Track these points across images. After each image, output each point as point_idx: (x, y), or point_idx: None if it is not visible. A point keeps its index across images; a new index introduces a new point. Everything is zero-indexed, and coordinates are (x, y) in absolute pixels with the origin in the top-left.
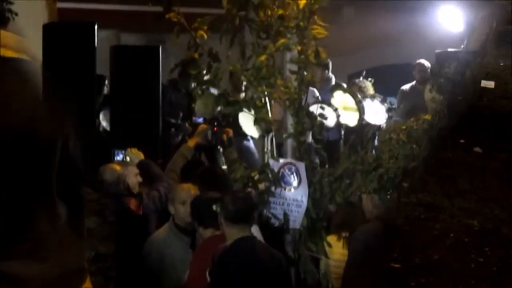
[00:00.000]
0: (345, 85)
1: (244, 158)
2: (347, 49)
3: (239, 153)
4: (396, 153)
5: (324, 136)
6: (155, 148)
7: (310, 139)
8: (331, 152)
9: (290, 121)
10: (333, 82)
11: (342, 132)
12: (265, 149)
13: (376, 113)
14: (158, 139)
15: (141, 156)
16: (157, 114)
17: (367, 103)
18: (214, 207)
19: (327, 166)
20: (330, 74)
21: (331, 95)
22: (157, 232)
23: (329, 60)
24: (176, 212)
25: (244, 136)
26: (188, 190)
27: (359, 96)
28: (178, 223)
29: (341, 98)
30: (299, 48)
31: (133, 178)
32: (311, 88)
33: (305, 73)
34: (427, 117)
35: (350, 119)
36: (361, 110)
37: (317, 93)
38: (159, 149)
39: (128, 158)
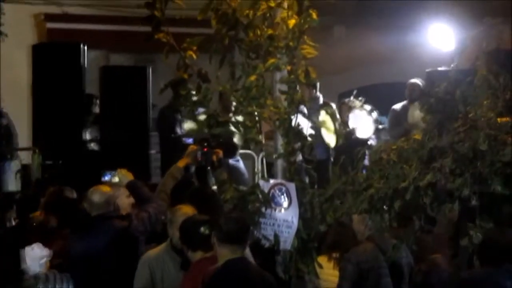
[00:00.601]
0: (333, 105)
1: (233, 179)
2: (338, 68)
3: (229, 174)
4: (386, 173)
5: (314, 156)
6: (146, 168)
7: (300, 159)
8: (320, 172)
9: (280, 141)
10: (321, 101)
11: (330, 151)
12: (256, 170)
13: (363, 125)
14: (148, 159)
15: (130, 176)
16: (147, 134)
17: (355, 114)
18: (202, 229)
19: (316, 186)
20: (318, 93)
21: (319, 114)
22: (152, 250)
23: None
24: (173, 235)
25: (233, 156)
26: (187, 213)
27: (338, 117)
28: (175, 245)
29: (324, 118)
30: (289, 68)
31: (125, 199)
32: (301, 106)
33: (296, 93)
34: (417, 136)
35: (330, 140)
36: (338, 134)
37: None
38: (150, 169)
39: (116, 179)
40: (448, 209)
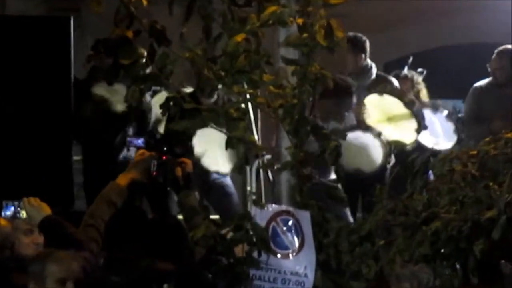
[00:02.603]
0: (394, 80)
1: (215, 204)
2: (382, 24)
3: (209, 196)
4: (461, 196)
5: (341, 167)
6: (66, 187)
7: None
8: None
9: (286, 142)
10: (374, 74)
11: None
12: (247, 189)
13: (440, 131)
14: (70, 172)
15: (45, 210)
16: (67, 129)
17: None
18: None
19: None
20: (369, 61)
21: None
22: None
23: (365, 38)
24: None
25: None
26: (69, 263)
27: (412, 96)
28: None
29: (379, 104)
30: (299, 21)
31: (23, 238)
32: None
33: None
34: None
35: (403, 135)
36: (420, 118)
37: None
38: (73, 188)
39: (23, 214)
40: None
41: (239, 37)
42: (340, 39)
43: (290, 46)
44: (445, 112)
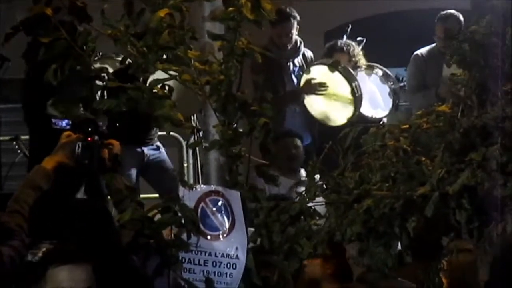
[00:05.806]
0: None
1: (154, 181)
2: None
3: (146, 174)
4: (393, 172)
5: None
6: None
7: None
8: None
9: (214, 120)
10: (302, 51)
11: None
12: (184, 164)
13: (375, 99)
14: None
15: None
16: None
17: (360, 80)
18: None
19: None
20: (296, 36)
21: (306, 72)
22: None
23: (294, 12)
24: None
25: (148, 141)
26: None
27: (353, 73)
28: None
29: (325, 77)
30: None
31: None
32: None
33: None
34: (445, 109)
35: (338, 114)
36: (357, 101)
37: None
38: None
39: None
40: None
41: (162, 12)
42: (268, 12)
43: (216, 21)
44: (380, 73)
